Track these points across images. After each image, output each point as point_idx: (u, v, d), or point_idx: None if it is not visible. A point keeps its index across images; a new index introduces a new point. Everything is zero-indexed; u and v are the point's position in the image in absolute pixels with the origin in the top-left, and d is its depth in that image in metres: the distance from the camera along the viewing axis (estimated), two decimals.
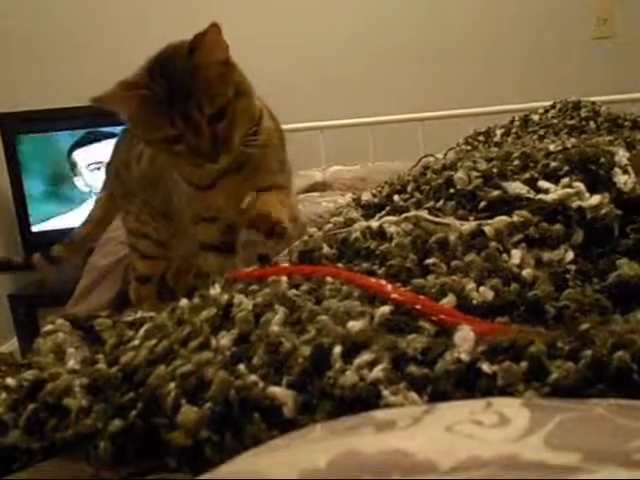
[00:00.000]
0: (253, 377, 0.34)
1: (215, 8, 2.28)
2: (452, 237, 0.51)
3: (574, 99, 1.22)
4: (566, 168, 0.52)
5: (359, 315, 0.39)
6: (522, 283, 0.43)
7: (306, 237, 0.64)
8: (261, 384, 0.34)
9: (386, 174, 1.73)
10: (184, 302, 0.48)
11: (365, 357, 0.34)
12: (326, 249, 0.55)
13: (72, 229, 2.08)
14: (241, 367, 0.35)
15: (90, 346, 0.49)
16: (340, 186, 1.67)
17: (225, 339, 0.39)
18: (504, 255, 0.47)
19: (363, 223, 0.58)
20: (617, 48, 2.32)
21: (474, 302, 0.42)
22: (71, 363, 0.43)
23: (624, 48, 2.30)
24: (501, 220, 0.50)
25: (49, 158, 2.21)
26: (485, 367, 0.33)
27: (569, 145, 0.58)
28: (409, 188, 0.64)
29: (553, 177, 0.52)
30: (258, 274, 0.52)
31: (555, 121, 1.12)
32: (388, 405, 0.31)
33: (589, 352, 0.32)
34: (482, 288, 0.43)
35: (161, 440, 0.35)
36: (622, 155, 0.56)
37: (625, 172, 0.52)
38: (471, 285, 0.43)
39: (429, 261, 0.50)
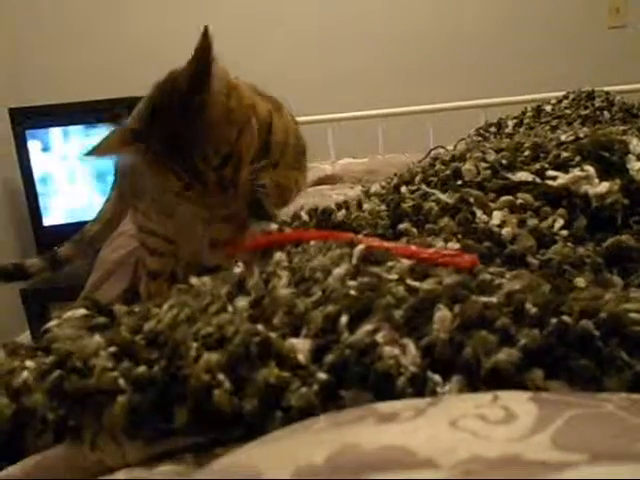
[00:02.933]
0: (272, 334, 0.36)
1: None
2: (427, 205, 0.52)
3: (588, 89, 1.20)
4: (578, 158, 0.51)
5: (340, 259, 0.44)
6: (499, 242, 0.46)
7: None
8: (279, 338, 0.36)
9: (396, 166, 1.72)
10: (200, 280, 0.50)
11: (367, 327, 0.36)
12: (305, 217, 0.61)
13: (84, 223, 2.13)
14: (259, 326, 0.37)
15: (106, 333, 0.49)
16: (350, 179, 1.66)
17: (242, 302, 0.41)
18: (484, 217, 0.49)
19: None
20: (630, 37, 2.28)
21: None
22: (97, 337, 0.43)
23: (637, 37, 2.27)
24: (504, 200, 0.50)
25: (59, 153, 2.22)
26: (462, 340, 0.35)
27: (581, 135, 0.57)
28: (417, 179, 0.64)
29: (564, 167, 0.51)
30: (250, 247, 0.56)
31: (568, 111, 1.11)
32: (388, 355, 0.33)
33: (554, 320, 0.34)
34: (450, 244, 0.46)
35: (178, 389, 0.35)
36: (636, 144, 0.54)
37: (639, 160, 0.51)
38: (440, 244, 0.46)
39: (401, 226, 0.53)
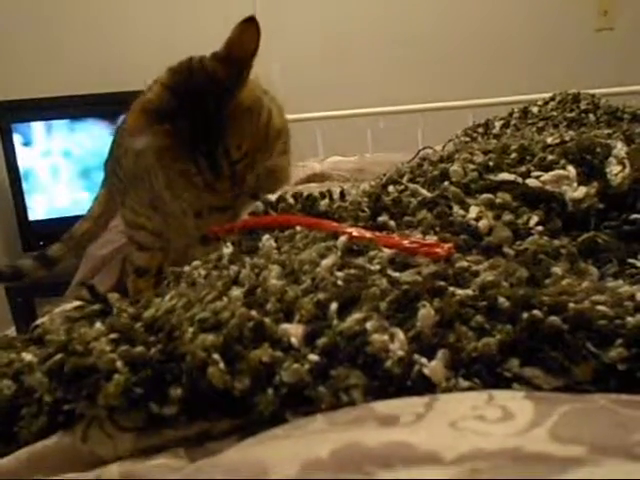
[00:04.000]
0: (266, 319, 0.38)
1: None
2: (406, 199, 0.54)
3: (574, 91, 1.21)
4: (562, 161, 0.52)
5: (327, 250, 0.46)
6: (475, 234, 0.48)
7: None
8: (273, 323, 0.38)
9: (385, 165, 1.73)
10: (201, 271, 0.52)
11: (357, 316, 0.38)
12: (290, 200, 0.63)
13: (69, 218, 2.12)
14: (253, 312, 0.39)
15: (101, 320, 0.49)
16: (338, 177, 1.67)
17: (236, 292, 0.43)
18: (460, 211, 0.51)
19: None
20: (618, 40, 2.31)
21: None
22: (97, 326, 0.44)
23: (625, 40, 2.30)
24: (483, 198, 0.52)
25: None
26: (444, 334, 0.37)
27: (567, 138, 0.58)
28: (404, 179, 0.64)
29: (549, 170, 0.52)
30: (238, 227, 0.59)
31: (554, 113, 1.12)
32: (377, 340, 0.35)
33: (526, 315, 0.35)
34: (428, 237, 0.48)
35: (174, 367, 0.36)
36: (620, 148, 0.55)
37: (621, 165, 0.52)
38: (418, 236, 0.49)
39: (380, 219, 0.55)
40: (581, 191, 0.50)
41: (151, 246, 0.99)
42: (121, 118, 1.02)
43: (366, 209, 0.54)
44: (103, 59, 2.37)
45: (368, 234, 0.51)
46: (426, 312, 0.36)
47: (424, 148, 1.00)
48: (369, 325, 0.36)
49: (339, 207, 0.56)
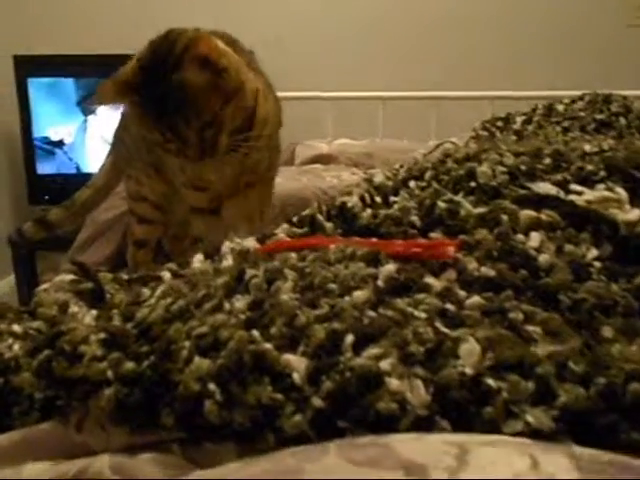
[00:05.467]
0: (268, 345, 0.35)
1: None
2: (463, 211, 0.50)
3: (605, 92, 1.17)
4: (602, 173, 0.49)
5: (363, 281, 0.40)
6: (534, 269, 0.42)
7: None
8: (275, 352, 0.34)
9: (393, 152, 1.70)
10: (196, 266, 0.49)
11: (374, 351, 0.34)
12: (327, 225, 0.57)
13: (75, 175, 2.10)
14: (255, 333, 0.36)
15: (92, 300, 0.49)
16: (345, 160, 1.64)
17: (239, 303, 0.39)
18: (520, 236, 0.46)
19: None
20: None
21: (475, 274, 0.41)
22: (88, 320, 0.43)
23: None
24: (526, 214, 0.48)
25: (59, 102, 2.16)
26: (490, 382, 0.32)
27: (606, 147, 0.54)
28: (427, 175, 0.61)
29: (588, 181, 0.49)
30: (269, 249, 0.52)
31: (582, 114, 1.08)
32: (392, 392, 0.31)
33: (602, 380, 0.31)
34: (484, 268, 0.43)
35: (167, 392, 0.34)
36: None
37: None
38: (473, 265, 0.43)
39: (433, 235, 0.49)
40: (635, 214, 0.45)
41: (152, 219, 0.99)
42: None
43: (417, 222, 0.49)
44: (122, 20, 2.32)
45: (369, 241, 0.48)
46: (471, 348, 0.32)
47: (444, 142, 0.96)
48: (386, 365, 0.32)
49: (385, 219, 0.51)
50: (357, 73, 2.21)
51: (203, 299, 0.41)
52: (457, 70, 2.21)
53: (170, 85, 0.72)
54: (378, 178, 0.71)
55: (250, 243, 0.61)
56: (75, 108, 2.14)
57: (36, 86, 2.11)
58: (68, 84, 2.14)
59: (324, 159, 1.55)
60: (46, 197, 2.15)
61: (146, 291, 0.48)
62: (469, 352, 0.33)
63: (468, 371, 0.32)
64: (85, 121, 2.16)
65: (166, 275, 0.53)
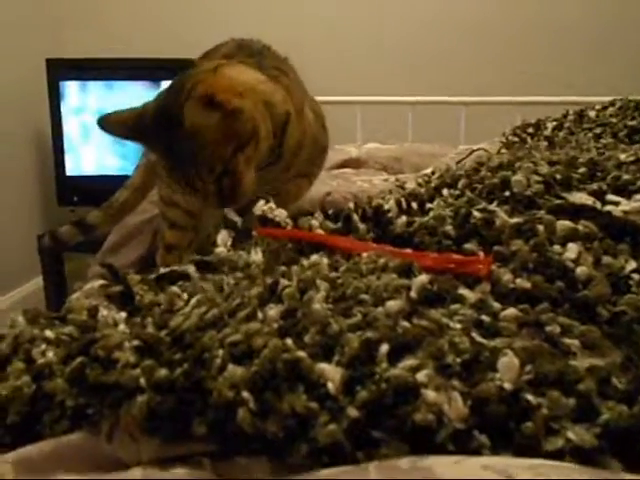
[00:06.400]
0: (302, 353, 0.35)
1: None
2: (498, 221, 0.49)
3: (636, 98, 1.15)
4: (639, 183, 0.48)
5: (396, 292, 0.40)
6: (571, 281, 0.42)
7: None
8: (309, 361, 0.34)
9: (423, 156, 1.69)
10: (230, 280, 0.48)
11: (410, 362, 0.33)
12: (361, 226, 0.56)
13: (105, 177, 2.14)
14: (289, 341, 0.36)
15: (122, 302, 0.49)
16: (375, 164, 1.63)
17: (273, 311, 0.39)
18: (557, 247, 0.45)
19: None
20: None
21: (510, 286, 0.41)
22: (118, 321, 0.43)
23: None
24: (563, 225, 0.47)
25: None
26: (530, 397, 0.31)
27: None
28: (460, 184, 0.61)
29: (625, 191, 0.48)
30: (282, 234, 0.53)
31: (614, 120, 1.06)
32: (429, 403, 0.31)
33: None
34: (519, 280, 0.42)
35: (199, 400, 0.34)
36: None
37: None
38: (507, 277, 0.42)
39: (467, 246, 0.49)
40: None
41: (183, 225, 0.98)
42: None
43: (452, 232, 0.48)
44: (147, 25, 2.35)
45: (401, 252, 0.48)
46: (509, 362, 0.31)
47: (477, 149, 0.95)
48: (423, 376, 0.31)
49: (420, 228, 0.50)
50: (386, 77, 2.20)
51: (237, 308, 0.41)
52: (486, 75, 2.19)
53: (177, 133, 0.65)
54: (410, 185, 0.71)
55: (282, 215, 0.60)
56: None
57: (68, 88, 2.15)
58: (100, 86, 2.18)
59: (353, 163, 1.55)
60: (75, 198, 2.19)
61: (178, 295, 0.48)
62: (508, 366, 0.32)
63: (507, 386, 0.31)
64: None
65: (191, 269, 0.53)
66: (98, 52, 2.18)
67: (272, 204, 0.58)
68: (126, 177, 2.11)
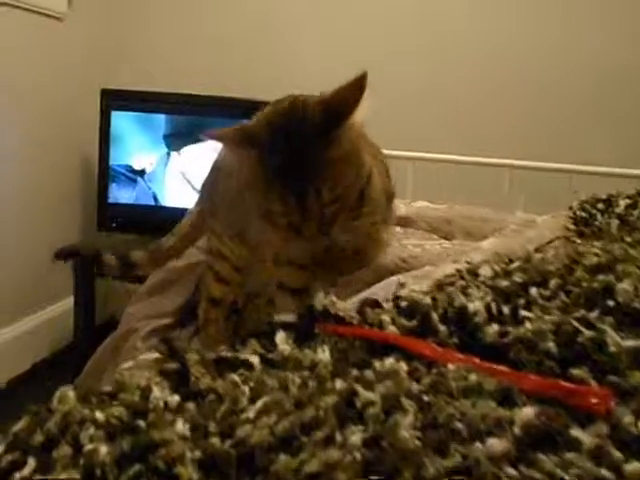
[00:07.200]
0: None
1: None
2: (613, 346, 0.43)
3: None
4: None
5: (496, 426, 0.35)
6: None
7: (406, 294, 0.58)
8: None
9: (474, 220, 1.63)
10: (295, 378, 0.44)
11: None
12: (442, 329, 0.51)
13: (146, 206, 2.15)
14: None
15: (177, 383, 0.46)
16: (424, 225, 1.59)
17: (355, 437, 0.35)
18: None
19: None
20: None
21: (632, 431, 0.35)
22: (180, 427, 0.39)
23: None
24: None
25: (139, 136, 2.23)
26: None
27: None
28: (552, 284, 0.55)
29: None
30: (351, 333, 0.49)
31: None
32: None
33: None
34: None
35: None
36: None
37: None
38: (629, 419, 0.37)
39: (575, 372, 0.42)
40: None
41: (229, 280, 0.96)
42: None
43: (554, 350, 0.42)
44: (201, 62, 2.40)
45: (494, 368, 0.42)
46: None
47: (558, 238, 0.88)
48: None
49: (516, 341, 0.44)
50: (441, 134, 2.17)
51: (311, 424, 0.37)
52: (535, 139, 2.14)
53: (309, 147, 0.65)
54: (484, 271, 0.66)
55: (347, 307, 0.56)
56: (158, 142, 2.22)
57: (121, 118, 2.19)
58: (154, 118, 2.21)
59: (402, 221, 1.51)
60: (114, 224, 2.22)
61: (238, 385, 0.44)
62: None
63: None
64: (168, 154, 2.22)
65: (255, 360, 0.49)
66: (153, 85, 2.21)
67: (333, 297, 0.54)
68: (162, 208, 2.17)
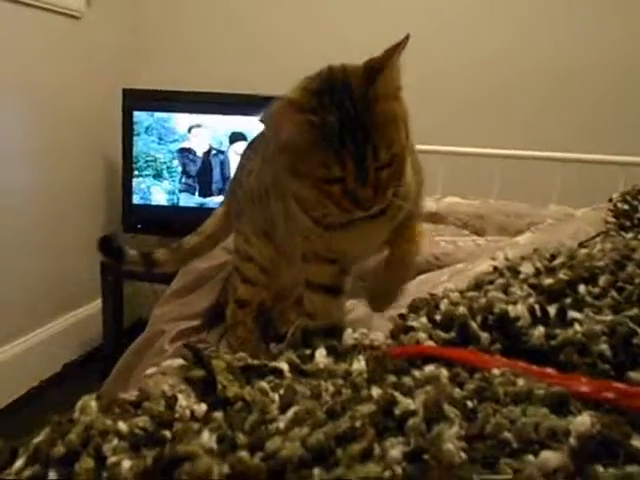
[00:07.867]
0: None
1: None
2: None
3: None
4: None
5: (550, 437, 0.32)
6: None
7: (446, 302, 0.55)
8: None
9: (508, 215, 1.58)
10: (329, 386, 0.42)
11: None
12: (483, 335, 0.48)
13: (171, 207, 2.15)
14: None
15: (203, 390, 0.45)
16: (455, 220, 1.55)
17: (395, 450, 0.33)
18: None
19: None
20: None
21: None
22: (206, 439, 0.37)
23: None
24: None
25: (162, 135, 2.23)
26: None
27: None
28: (601, 281, 0.52)
29: None
30: (410, 352, 0.46)
31: None
32: None
33: None
34: None
35: None
36: None
37: None
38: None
39: (633, 375, 0.40)
40: None
41: (256, 281, 0.94)
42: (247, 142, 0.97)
43: (608, 353, 0.39)
44: (223, 60, 2.39)
45: (543, 372, 0.39)
46: None
47: (607, 233, 0.84)
48: None
49: (565, 343, 0.42)
50: (474, 128, 2.11)
51: (347, 435, 0.34)
52: (582, 131, 2.05)
53: (360, 104, 0.64)
54: (525, 269, 0.62)
55: (380, 337, 0.54)
56: (177, 141, 2.21)
57: (142, 118, 2.19)
58: (173, 118, 2.21)
59: (432, 218, 1.47)
60: (139, 226, 2.22)
61: (267, 393, 0.43)
62: None
63: None
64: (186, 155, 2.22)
65: (285, 367, 0.47)
66: (175, 84, 2.20)
67: (364, 330, 0.52)
68: (187, 209, 2.16)
